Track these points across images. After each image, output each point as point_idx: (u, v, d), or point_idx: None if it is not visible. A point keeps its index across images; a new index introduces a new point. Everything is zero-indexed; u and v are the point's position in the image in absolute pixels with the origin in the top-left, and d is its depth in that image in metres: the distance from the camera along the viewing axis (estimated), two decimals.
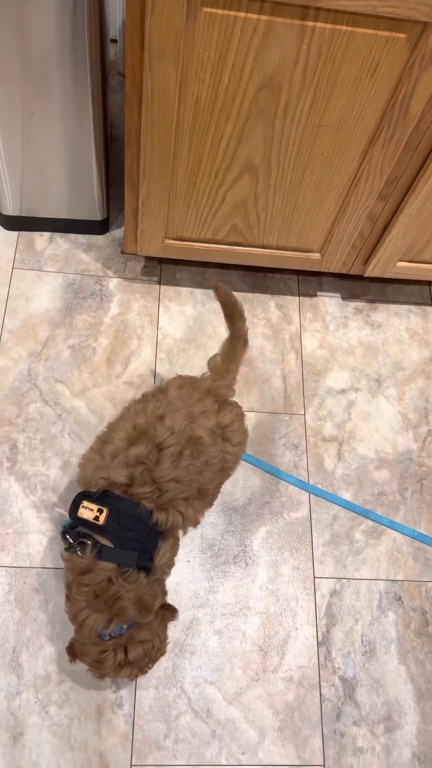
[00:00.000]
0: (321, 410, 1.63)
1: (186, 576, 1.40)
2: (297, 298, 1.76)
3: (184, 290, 1.73)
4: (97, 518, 1.07)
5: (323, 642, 1.38)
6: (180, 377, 1.28)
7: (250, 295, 1.75)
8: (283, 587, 1.42)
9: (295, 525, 1.48)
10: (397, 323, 1.77)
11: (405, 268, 1.60)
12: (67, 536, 1.11)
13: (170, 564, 1.20)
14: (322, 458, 1.57)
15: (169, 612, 1.17)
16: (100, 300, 1.68)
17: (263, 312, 1.73)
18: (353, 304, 1.78)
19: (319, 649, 1.37)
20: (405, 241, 1.49)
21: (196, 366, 1.63)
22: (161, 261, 1.76)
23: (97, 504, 1.08)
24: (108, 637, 1.08)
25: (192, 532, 1.43)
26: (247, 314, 1.68)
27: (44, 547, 1.38)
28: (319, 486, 1.53)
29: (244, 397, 1.61)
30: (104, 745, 1.24)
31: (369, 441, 1.60)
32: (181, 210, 1.42)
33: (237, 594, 1.40)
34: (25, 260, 1.70)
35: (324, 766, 1.27)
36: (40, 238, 1.74)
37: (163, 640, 1.15)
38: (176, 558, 1.20)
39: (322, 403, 1.64)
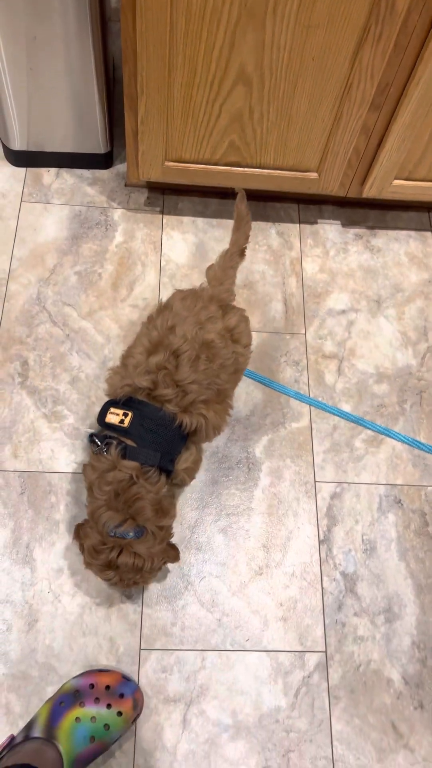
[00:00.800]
0: (321, 330, 1.67)
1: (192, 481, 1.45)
2: (297, 225, 1.80)
3: (186, 219, 1.78)
4: (122, 422, 1.14)
5: (324, 540, 1.42)
6: (180, 291, 1.33)
7: (251, 223, 1.78)
8: (285, 490, 1.46)
9: (296, 434, 1.53)
10: (396, 248, 1.80)
11: (401, 187, 1.62)
12: (95, 439, 1.17)
13: (191, 471, 1.26)
14: (322, 374, 1.61)
15: (172, 551, 1.21)
16: (105, 229, 1.74)
17: (264, 239, 1.77)
18: (353, 231, 1.82)
19: (321, 546, 1.41)
20: (400, 156, 1.52)
21: None
22: (163, 192, 1.81)
23: (123, 409, 1.15)
24: (114, 534, 1.14)
25: None
26: (249, 241, 1.74)
27: (55, 454, 1.44)
28: (320, 399, 1.57)
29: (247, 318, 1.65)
30: (114, 631, 1.30)
31: (369, 357, 1.64)
32: (179, 127, 1.46)
33: (240, 496, 1.45)
34: (32, 194, 1.77)
35: (326, 652, 1.32)
36: (47, 174, 1.80)
37: (154, 569, 1.18)
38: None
39: (323, 323, 1.68)
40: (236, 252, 1.35)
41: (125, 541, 1.13)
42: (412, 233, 1.82)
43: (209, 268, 1.36)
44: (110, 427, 1.16)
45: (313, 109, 1.42)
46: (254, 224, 1.77)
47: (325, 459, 1.50)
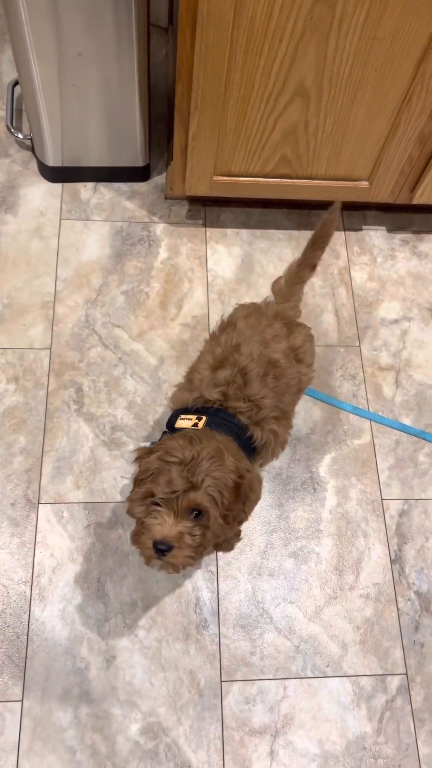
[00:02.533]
0: (376, 341, 1.64)
1: (258, 504, 1.43)
2: (343, 233, 1.76)
3: (230, 231, 1.74)
4: (195, 424, 1.06)
5: (396, 560, 1.40)
6: (243, 306, 1.29)
7: (295, 233, 1.75)
8: (353, 510, 1.44)
9: (359, 451, 1.50)
10: None
11: None
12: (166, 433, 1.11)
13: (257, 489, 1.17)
14: (380, 387, 1.58)
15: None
16: (148, 245, 1.69)
17: None
18: (399, 236, 1.78)
19: (393, 566, 1.40)
20: None
21: None
22: (204, 204, 1.76)
23: (195, 414, 1.09)
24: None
25: None
26: (294, 251, 1.70)
27: (118, 482, 1.42)
28: (380, 413, 1.55)
29: None
30: (194, 664, 1.28)
31: (426, 368, 1.61)
32: (230, 142, 1.42)
33: (308, 518, 1.42)
34: (71, 211, 1.72)
35: (406, 674, 1.31)
36: (84, 189, 1.75)
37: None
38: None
39: (376, 333, 1.64)
40: (308, 267, 1.30)
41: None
42: None
43: (275, 283, 1.32)
44: (182, 430, 1.06)
45: (371, 120, 1.38)
46: (299, 234, 1.74)
47: (390, 476, 1.48)
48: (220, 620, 1.32)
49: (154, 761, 1.20)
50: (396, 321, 1.66)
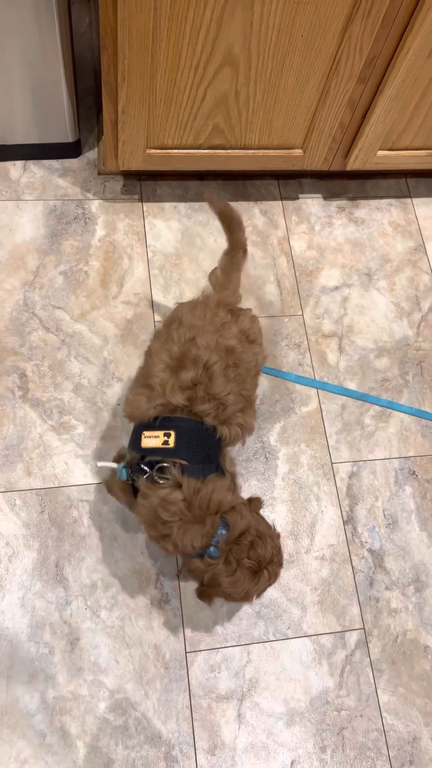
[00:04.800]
0: (318, 309, 1.66)
1: None
2: (280, 202, 1.77)
3: (167, 205, 1.71)
4: (166, 443, 1.06)
5: (348, 520, 1.45)
6: (184, 303, 1.26)
7: (233, 204, 1.74)
8: (304, 475, 1.47)
9: (307, 418, 1.53)
10: (379, 218, 1.79)
11: (385, 158, 1.61)
12: (141, 466, 1.08)
13: (235, 474, 1.20)
14: (324, 354, 1.61)
15: (255, 501, 1.14)
16: (84, 223, 1.66)
17: (249, 219, 1.73)
18: (335, 203, 1.79)
19: (346, 527, 1.44)
20: (385, 127, 1.50)
21: (191, 279, 1.63)
22: (140, 178, 1.73)
23: (160, 430, 1.07)
24: (215, 553, 1.04)
25: None
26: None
27: (69, 467, 1.40)
28: (325, 379, 1.58)
29: (242, 304, 1.62)
30: (158, 638, 1.29)
31: (367, 333, 1.65)
32: (161, 114, 1.39)
33: (262, 487, 1.45)
34: (1, 191, 1.66)
35: (364, 629, 1.36)
36: (14, 168, 1.69)
37: (267, 524, 1.10)
38: None
39: (318, 301, 1.67)
40: (237, 251, 1.30)
41: (225, 541, 1.05)
42: (393, 201, 1.82)
43: (212, 273, 1.30)
44: (152, 451, 1.08)
45: (300, 87, 1.37)
46: (236, 205, 1.73)
47: (338, 440, 1.52)
48: (182, 593, 1.33)
49: (125, 736, 1.22)
50: (336, 288, 1.69)
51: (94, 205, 1.68)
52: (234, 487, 1.12)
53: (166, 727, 1.23)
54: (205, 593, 1.08)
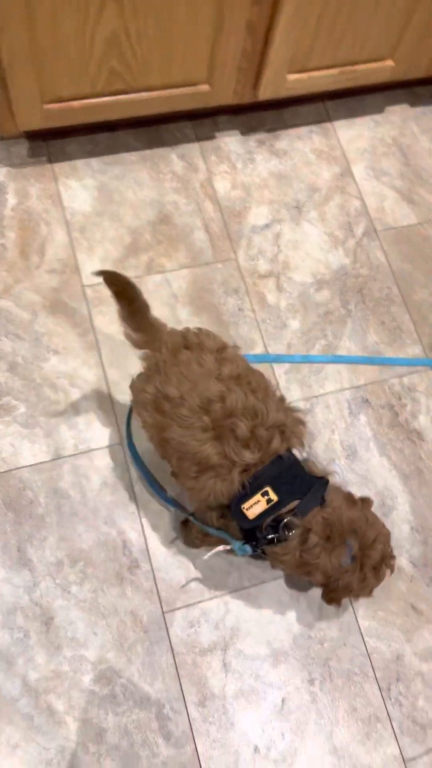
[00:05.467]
0: (250, 250, 1.61)
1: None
2: (197, 144, 1.69)
3: (79, 163, 1.63)
4: (270, 500, 1.04)
5: (308, 457, 1.44)
6: (140, 384, 1.14)
7: (148, 152, 1.66)
8: None
9: (254, 363, 1.50)
10: (301, 146, 1.73)
11: (296, 81, 1.54)
12: (266, 536, 1.07)
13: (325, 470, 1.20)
14: (263, 295, 1.57)
15: (366, 502, 1.17)
16: None
17: (167, 166, 1.66)
18: (254, 138, 1.73)
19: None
20: (289, 49, 1.43)
21: (115, 237, 1.56)
22: (45, 138, 1.64)
23: (256, 493, 1.04)
24: (350, 561, 1.10)
25: None
26: (150, 172, 1.63)
27: (17, 448, 1.36)
28: (267, 321, 1.54)
29: (172, 256, 1.57)
30: (133, 604, 1.28)
31: (304, 267, 1.61)
32: (51, 64, 1.30)
33: None
34: None
35: None
36: None
37: (380, 522, 1.16)
38: None
39: (250, 242, 1.62)
40: (143, 310, 1.12)
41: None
42: (313, 127, 1.76)
43: (130, 340, 1.15)
44: (262, 516, 1.05)
45: (193, 16, 1.29)
46: (152, 153, 1.66)
47: (288, 380, 1.50)
48: (151, 556, 1.32)
49: (113, 704, 1.22)
50: (267, 226, 1.64)
51: (1, 173, 1.59)
52: (347, 495, 1.14)
53: (153, 688, 1.23)
54: (336, 598, 1.14)
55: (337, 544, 1.08)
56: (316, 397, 1.49)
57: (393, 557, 1.18)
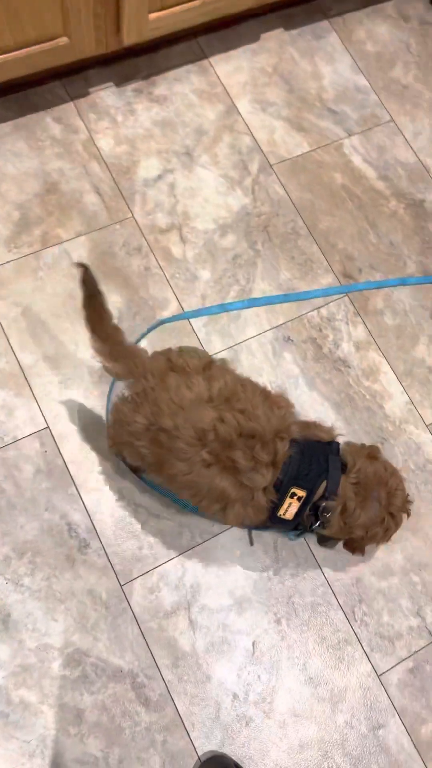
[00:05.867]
0: (146, 205, 1.55)
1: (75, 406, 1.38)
2: (71, 103, 1.61)
3: None
4: (299, 498, 1.09)
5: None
6: (136, 408, 1.09)
7: (21, 121, 1.57)
8: None
9: (172, 323, 1.47)
10: (181, 89, 1.67)
11: (159, 20, 1.47)
12: (311, 525, 1.13)
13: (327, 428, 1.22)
14: (168, 249, 1.53)
15: (373, 449, 1.20)
16: None
17: (44, 132, 1.57)
18: (130, 87, 1.65)
19: None
20: None
21: (2, 216, 1.48)
22: None
23: (279, 494, 1.08)
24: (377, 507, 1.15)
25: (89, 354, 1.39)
26: (27, 141, 1.54)
27: None
28: (177, 276, 1.50)
29: (66, 225, 1.50)
30: (89, 583, 1.27)
31: (204, 214, 1.57)
32: None
33: None
34: None
35: None
36: None
37: (394, 468, 1.21)
38: None
39: (145, 197, 1.56)
40: (109, 326, 1.11)
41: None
42: (190, 67, 1.69)
43: (111, 372, 1.15)
44: (300, 511, 1.10)
45: None
46: (25, 120, 1.58)
47: (207, 332, 1.47)
48: (99, 533, 1.30)
49: (87, 683, 1.21)
50: (159, 177, 1.58)
51: None
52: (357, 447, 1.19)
53: (124, 660, 1.23)
54: (361, 547, 1.20)
55: (365, 497, 1.13)
56: (239, 344, 1.47)
57: (410, 501, 1.22)
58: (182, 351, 1.15)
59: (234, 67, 1.71)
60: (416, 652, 1.30)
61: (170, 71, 1.67)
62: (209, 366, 1.12)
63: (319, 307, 1.53)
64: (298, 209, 1.60)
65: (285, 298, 1.52)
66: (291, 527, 1.15)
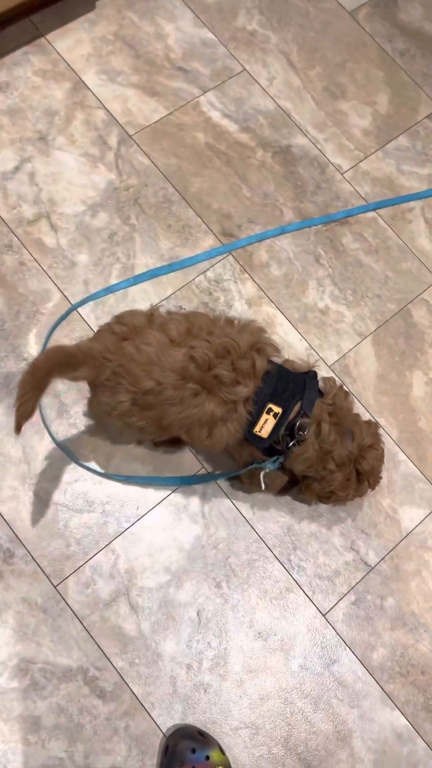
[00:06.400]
0: (9, 199, 1.50)
1: None
2: None
3: None
4: (276, 414, 1.10)
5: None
6: (114, 392, 1.10)
7: None
8: None
9: (56, 312, 1.43)
10: (22, 73, 1.60)
11: None
12: (287, 445, 1.13)
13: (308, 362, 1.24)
14: (40, 241, 1.48)
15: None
16: None
17: None
18: None
19: None
20: None
21: None
22: None
23: (261, 414, 1.10)
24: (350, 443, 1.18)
25: None
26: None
27: None
28: (55, 266, 1.46)
29: None
30: (21, 591, 1.25)
31: (71, 197, 1.52)
32: None
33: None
34: None
35: None
36: None
37: (380, 439, 1.26)
38: None
39: (5, 191, 1.50)
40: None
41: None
42: (27, 48, 1.62)
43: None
44: (276, 428, 1.11)
45: None
46: None
47: (97, 317, 1.44)
48: (22, 540, 1.27)
49: (37, 689, 1.20)
50: (17, 168, 1.52)
51: None
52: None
53: (72, 659, 1.22)
54: (325, 494, 1.23)
55: (342, 431, 1.16)
56: None
57: (380, 478, 1.27)
58: (118, 318, 1.15)
59: (74, 41, 1.64)
60: (355, 585, 1.34)
61: (6, 56, 1.60)
62: (151, 316, 1.14)
63: (205, 271, 1.52)
64: (166, 176, 1.57)
65: (170, 268, 1.50)
66: (266, 445, 1.14)
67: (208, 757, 1.15)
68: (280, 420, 1.11)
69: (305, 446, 1.14)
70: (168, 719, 1.22)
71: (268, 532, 1.35)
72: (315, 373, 1.18)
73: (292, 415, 1.12)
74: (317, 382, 1.17)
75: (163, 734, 1.20)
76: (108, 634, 1.25)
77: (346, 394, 1.21)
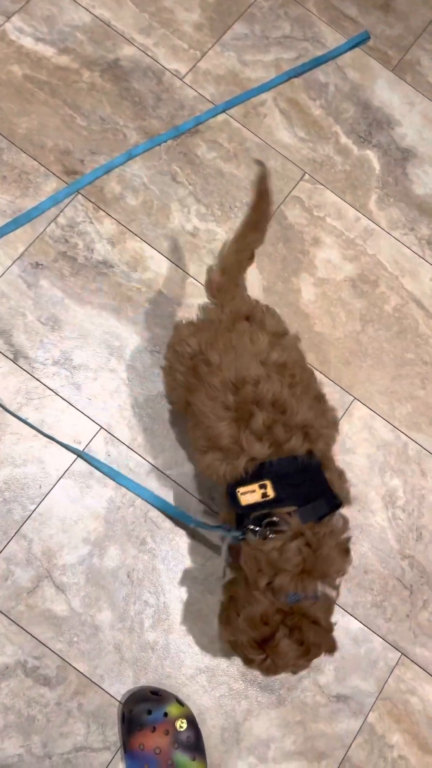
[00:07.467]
0: None
1: None
2: None
3: None
4: (265, 495, 0.98)
5: (15, 357, 1.30)
6: (185, 331, 1.14)
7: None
8: None
9: None
10: None
11: None
12: (250, 527, 0.99)
13: (347, 489, 1.08)
14: None
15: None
16: None
17: None
18: None
19: (18, 363, 1.30)
20: None
21: None
22: None
23: (254, 482, 0.99)
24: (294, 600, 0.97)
25: None
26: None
27: None
28: None
29: None
30: None
31: None
32: None
33: None
34: None
35: (100, 427, 1.30)
36: None
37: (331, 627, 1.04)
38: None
39: None
40: (246, 253, 1.11)
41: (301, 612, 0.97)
42: None
43: (210, 282, 1.13)
44: (253, 507, 0.99)
45: None
46: None
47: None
48: None
49: None
50: None
51: None
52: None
53: (6, 655, 1.17)
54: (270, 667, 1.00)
55: (307, 579, 0.96)
56: None
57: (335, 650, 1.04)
58: (268, 309, 1.14)
59: None
60: None
61: None
62: (283, 335, 1.10)
63: (55, 218, 1.39)
64: None
65: (15, 224, 1.36)
66: (239, 512, 1.01)
67: (166, 714, 1.13)
68: (266, 503, 0.99)
69: (263, 545, 0.97)
70: (121, 687, 1.18)
71: (183, 475, 1.29)
72: (339, 505, 1.02)
73: (279, 510, 0.98)
74: (329, 511, 1.00)
75: (120, 702, 1.17)
76: (38, 620, 1.19)
77: (343, 546, 1.03)
